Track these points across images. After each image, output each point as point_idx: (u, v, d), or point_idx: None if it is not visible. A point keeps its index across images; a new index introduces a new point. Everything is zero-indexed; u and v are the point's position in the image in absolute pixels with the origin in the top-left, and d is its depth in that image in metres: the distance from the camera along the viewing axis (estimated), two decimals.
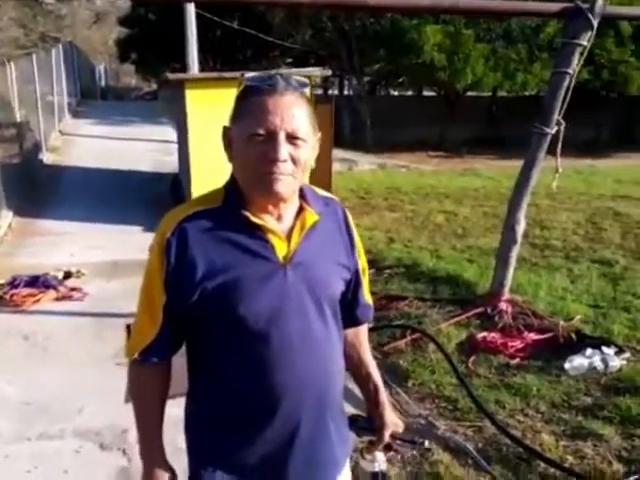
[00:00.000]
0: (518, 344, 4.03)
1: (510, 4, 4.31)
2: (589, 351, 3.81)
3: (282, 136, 1.24)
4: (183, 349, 1.42)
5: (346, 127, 16.77)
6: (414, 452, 2.82)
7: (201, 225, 1.31)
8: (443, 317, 4.46)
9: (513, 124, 15.21)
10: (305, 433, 1.37)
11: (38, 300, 4.89)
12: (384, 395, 1.54)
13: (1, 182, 7.36)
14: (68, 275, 5.44)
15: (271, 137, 1.24)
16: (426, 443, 1.53)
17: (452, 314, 4.51)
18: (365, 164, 13.55)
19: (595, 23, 3.92)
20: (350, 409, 1.70)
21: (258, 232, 1.31)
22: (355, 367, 1.58)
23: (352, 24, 15.74)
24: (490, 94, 19.00)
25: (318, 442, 1.41)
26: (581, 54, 4.06)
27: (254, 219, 1.29)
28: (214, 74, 7.49)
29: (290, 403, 1.33)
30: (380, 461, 1.53)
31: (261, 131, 1.24)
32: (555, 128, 4.19)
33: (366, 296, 1.55)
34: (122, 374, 3.52)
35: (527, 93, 17.75)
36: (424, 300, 4.85)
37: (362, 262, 1.50)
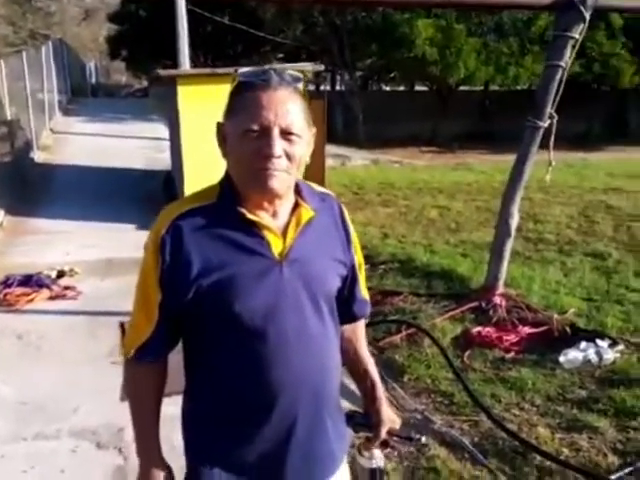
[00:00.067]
0: (513, 338, 4.04)
1: None
2: (583, 344, 3.83)
3: (276, 132, 1.23)
4: (179, 347, 1.42)
5: (338, 123, 16.76)
6: (411, 448, 2.83)
7: (196, 222, 1.30)
8: (438, 312, 4.47)
9: (505, 118, 15.25)
10: (302, 429, 1.37)
11: (32, 299, 4.86)
12: (381, 391, 1.55)
13: None
14: (61, 274, 5.41)
15: (265, 133, 1.23)
16: (423, 439, 1.54)
17: (447, 309, 4.52)
18: (358, 160, 13.55)
19: (587, 15, 3.92)
20: (347, 405, 1.69)
21: (253, 229, 1.30)
22: (352, 363, 1.58)
23: (343, 19, 15.71)
24: (482, 88, 19.04)
25: (315, 438, 1.41)
26: (573, 47, 4.07)
27: (249, 216, 1.28)
28: (206, 70, 7.45)
29: (287, 400, 1.33)
30: (377, 458, 1.54)
31: (255, 127, 1.23)
32: (548, 121, 4.20)
33: (363, 291, 1.54)
34: (117, 372, 3.51)
35: (519, 87, 17.81)
36: (419, 295, 4.86)
37: (358, 257, 1.50)
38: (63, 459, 2.88)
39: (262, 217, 1.30)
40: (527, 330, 4.14)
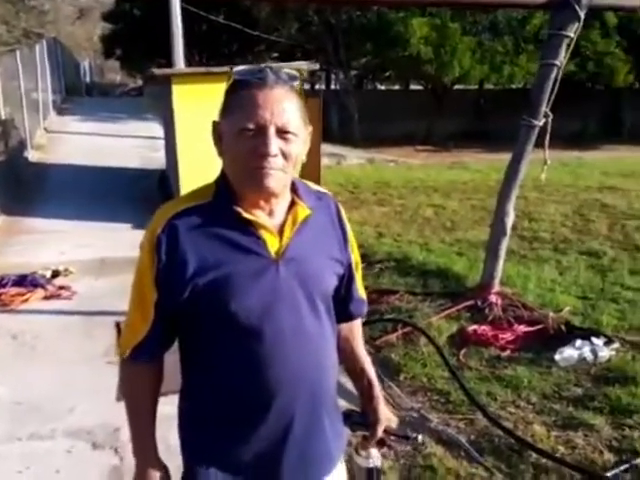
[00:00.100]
0: (508, 336, 4.05)
1: None
2: (579, 342, 3.84)
3: (272, 130, 1.22)
4: (175, 346, 1.41)
5: (334, 122, 16.76)
6: (407, 447, 2.83)
7: (192, 221, 1.30)
8: (434, 310, 4.47)
9: (500, 117, 15.30)
10: (299, 428, 1.37)
11: (26, 299, 4.84)
12: (378, 390, 1.54)
13: None
14: (56, 274, 5.39)
15: (261, 131, 1.22)
16: (419, 438, 1.54)
17: (443, 307, 4.52)
18: (353, 158, 13.55)
19: (582, 14, 3.93)
20: (344, 404, 1.69)
21: (249, 228, 1.29)
22: (349, 362, 1.58)
23: (338, 17, 15.71)
24: (477, 87, 19.06)
25: (313, 437, 1.41)
26: (568, 46, 4.07)
27: (245, 215, 1.28)
28: (201, 69, 7.44)
29: (284, 399, 1.33)
30: (374, 457, 1.54)
31: (251, 125, 1.22)
32: (543, 120, 4.20)
33: (360, 290, 1.54)
34: (113, 372, 3.53)
35: (514, 86, 17.85)
36: (415, 294, 4.86)
37: (355, 256, 1.50)
38: (58, 459, 2.87)
39: (258, 216, 1.30)
40: (523, 328, 4.14)
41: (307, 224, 1.34)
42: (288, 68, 1.30)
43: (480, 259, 5.21)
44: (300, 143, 1.28)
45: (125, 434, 2.82)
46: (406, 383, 3.56)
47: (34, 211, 7.74)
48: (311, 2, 13.41)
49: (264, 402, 1.33)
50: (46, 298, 4.94)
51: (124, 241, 6.18)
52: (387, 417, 1.52)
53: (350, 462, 1.59)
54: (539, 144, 4.29)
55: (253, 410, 1.34)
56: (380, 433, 1.51)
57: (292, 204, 1.35)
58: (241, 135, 1.23)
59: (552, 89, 4.12)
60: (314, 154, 1.55)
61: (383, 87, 23.85)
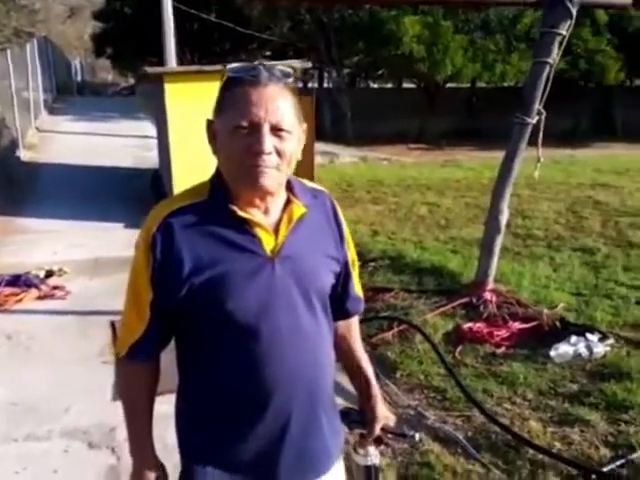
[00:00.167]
0: (504, 333, 4.06)
1: None
2: (574, 338, 3.85)
3: (266, 128, 1.22)
4: (172, 345, 1.41)
5: (327, 120, 16.75)
6: (405, 445, 2.83)
7: (187, 220, 1.29)
8: (429, 308, 4.48)
9: (492, 115, 15.34)
10: (297, 427, 1.36)
11: (20, 299, 4.82)
12: (376, 388, 1.54)
13: None
14: (50, 274, 5.37)
15: (255, 129, 1.22)
16: (417, 436, 1.53)
17: (438, 305, 4.53)
18: (346, 157, 13.55)
19: (574, 12, 3.94)
20: (341, 403, 1.69)
21: (245, 226, 1.29)
22: (347, 360, 1.58)
23: (330, 16, 15.70)
24: (469, 85, 19.09)
25: (310, 435, 1.41)
26: (560, 43, 4.08)
27: (241, 213, 1.28)
28: (193, 67, 7.43)
29: (281, 397, 1.32)
30: (373, 455, 1.54)
31: (245, 123, 1.22)
32: (536, 118, 4.21)
33: (356, 288, 1.54)
34: (108, 372, 3.52)
35: (506, 84, 17.87)
36: (410, 291, 4.87)
37: (351, 254, 1.49)
38: (55, 459, 2.86)
39: (253, 214, 1.30)
40: (518, 325, 4.16)
41: (303, 222, 1.34)
42: (281, 66, 1.30)
43: (474, 256, 5.22)
44: (294, 141, 1.28)
45: (121, 434, 2.81)
46: (402, 381, 3.56)
47: (26, 211, 7.70)
48: (303, 0, 13.40)
49: (261, 401, 1.32)
50: (40, 298, 4.91)
51: (117, 240, 6.16)
52: (385, 415, 1.52)
53: (348, 460, 1.58)
54: (531, 142, 4.30)
55: (250, 409, 1.33)
56: (378, 431, 1.51)
57: (288, 202, 1.34)
58: (235, 133, 1.23)
59: (545, 87, 4.13)
60: (307, 152, 1.55)
61: (376, 85, 23.85)
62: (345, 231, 1.46)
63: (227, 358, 1.31)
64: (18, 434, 3.06)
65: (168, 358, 1.43)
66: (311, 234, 1.37)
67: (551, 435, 3.00)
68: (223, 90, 1.27)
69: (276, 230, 1.31)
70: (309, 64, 7.77)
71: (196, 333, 1.33)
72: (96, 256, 5.95)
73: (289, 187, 1.35)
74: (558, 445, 2.92)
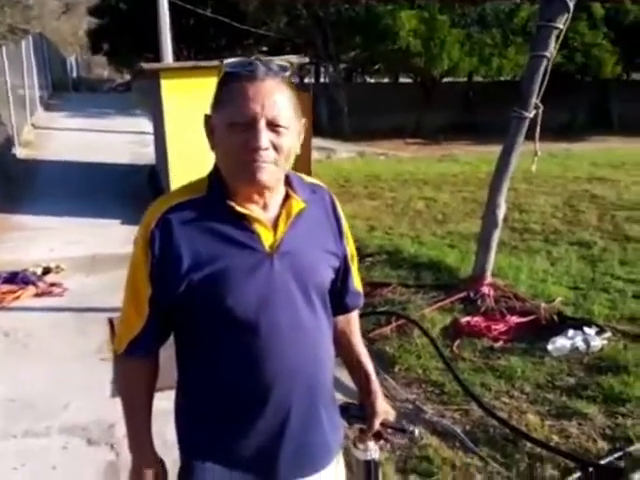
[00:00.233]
0: (501, 327, 4.07)
1: None
2: (571, 332, 3.86)
3: (262, 124, 1.21)
4: (171, 341, 1.40)
5: (323, 115, 16.73)
6: (404, 439, 2.84)
7: (186, 216, 1.29)
8: (427, 302, 4.48)
9: (489, 109, 15.32)
10: (296, 422, 1.36)
11: (18, 297, 4.81)
12: (376, 383, 1.54)
13: None
14: (47, 271, 5.36)
15: (252, 125, 1.21)
16: (416, 432, 1.53)
17: (435, 299, 4.53)
18: (343, 152, 13.53)
19: (571, 5, 3.94)
20: (340, 398, 1.69)
21: (243, 222, 1.29)
22: (346, 355, 1.58)
23: (327, 11, 15.68)
24: (466, 80, 19.08)
25: (310, 430, 1.41)
26: (557, 37, 4.08)
27: (239, 209, 1.27)
28: (190, 63, 7.41)
29: (281, 392, 1.33)
30: (372, 450, 1.54)
31: (241, 119, 1.21)
32: (533, 112, 4.21)
33: (355, 283, 1.54)
34: (106, 369, 3.52)
35: (502, 78, 17.87)
36: (407, 286, 4.87)
37: (350, 248, 1.49)
38: (54, 456, 2.86)
39: (252, 210, 1.29)
40: (515, 319, 4.16)
41: (302, 217, 1.34)
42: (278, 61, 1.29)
43: (472, 251, 5.22)
44: (292, 135, 1.27)
45: (120, 430, 2.81)
46: (401, 375, 3.57)
47: (23, 208, 7.68)
48: None
49: (261, 396, 1.32)
50: (37, 295, 4.91)
51: (114, 237, 6.15)
52: (385, 410, 1.52)
53: (348, 455, 1.59)
54: (528, 136, 4.30)
55: (250, 404, 1.33)
56: (377, 426, 1.51)
57: (286, 197, 1.34)
58: (232, 129, 1.22)
59: (542, 81, 4.12)
60: (305, 148, 1.54)
61: (372, 80, 23.84)
62: (344, 226, 1.46)
63: (226, 354, 1.31)
64: (17, 430, 3.06)
65: (167, 354, 1.43)
66: (310, 229, 1.36)
67: (549, 428, 3.01)
68: (220, 85, 1.27)
69: (275, 225, 1.31)
70: (306, 59, 7.74)
71: (195, 329, 1.33)
72: (93, 253, 5.94)
73: (288, 182, 1.35)
74: (556, 438, 2.93)
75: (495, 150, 4.58)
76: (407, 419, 2.95)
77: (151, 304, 1.31)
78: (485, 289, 4.52)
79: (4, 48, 11.24)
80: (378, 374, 3.42)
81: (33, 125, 13.22)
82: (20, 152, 10.80)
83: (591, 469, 2.64)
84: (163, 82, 6.42)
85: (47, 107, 16.45)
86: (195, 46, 19.21)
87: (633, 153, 12.94)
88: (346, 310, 1.55)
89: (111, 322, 4.18)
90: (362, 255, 5.64)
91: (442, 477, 2.66)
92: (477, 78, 18.50)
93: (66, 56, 28.67)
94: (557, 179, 9.92)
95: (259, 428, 1.34)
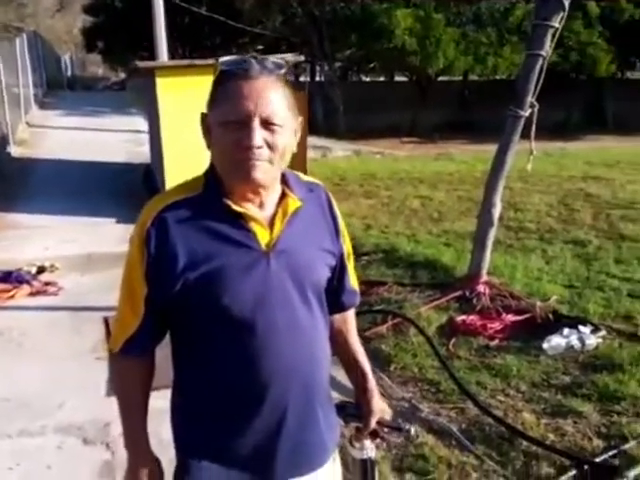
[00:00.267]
0: (497, 326, 4.07)
1: None
2: (566, 330, 3.86)
3: (256, 122, 1.21)
4: (167, 340, 1.40)
5: (319, 114, 16.72)
6: (400, 438, 2.84)
7: (181, 214, 1.28)
8: (423, 301, 4.49)
9: (485, 108, 15.35)
10: (293, 420, 1.36)
11: (12, 296, 4.79)
12: (372, 382, 1.54)
13: None
14: (42, 270, 5.34)
15: (245, 123, 1.21)
16: (412, 430, 1.54)
17: (431, 298, 4.54)
18: (339, 151, 13.53)
19: (567, 4, 3.94)
20: (336, 397, 1.69)
21: (240, 220, 1.28)
22: (343, 353, 1.58)
23: (322, 9, 15.67)
24: (461, 78, 19.11)
25: (306, 429, 1.41)
26: (553, 36, 4.09)
27: (235, 207, 1.27)
28: (185, 61, 7.40)
29: (277, 391, 1.32)
30: (368, 448, 1.54)
31: (235, 117, 1.21)
32: (529, 110, 4.22)
33: (352, 281, 1.54)
34: (102, 368, 3.50)
35: (498, 77, 17.90)
36: (403, 285, 4.88)
37: (347, 247, 1.49)
38: (49, 455, 2.85)
39: (248, 208, 1.29)
40: (511, 318, 4.17)
41: (298, 216, 1.33)
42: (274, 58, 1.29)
43: (467, 250, 5.23)
44: (288, 133, 1.27)
45: (116, 429, 2.81)
46: (397, 373, 3.57)
47: (17, 207, 7.65)
48: None
49: (257, 395, 1.32)
50: (32, 294, 4.89)
51: (109, 236, 6.13)
52: (381, 408, 1.53)
53: (344, 453, 1.59)
54: (524, 135, 4.30)
55: (246, 403, 1.33)
56: (373, 425, 1.51)
57: (283, 196, 1.34)
58: (226, 127, 1.22)
59: (538, 79, 4.13)
60: (300, 147, 1.54)
61: (368, 79, 23.82)
62: (340, 224, 1.46)
63: (223, 352, 1.31)
64: (11, 430, 3.05)
65: (163, 353, 1.43)
66: (306, 228, 1.36)
67: (544, 426, 3.02)
68: (216, 83, 1.27)
69: (271, 224, 1.31)
70: (301, 58, 7.74)
71: (191, 328, 1.33)
72: (88, 252, 5.91)
73: (284, 180, 1.35)
74: (551, 436, 2.94)
75: (491, 149, 4.59)
76: (403, 418, 2.95)
77: (147, 303, 1.31)
78: (481, 288, 4.52)
79: None
80: (374, 373, 3.43)
81: (28, 123, 13.17)
82: (15, 151, 10.75)
83: (586, 467, 2.65)
84: (158, 80, 6.40)
85: (42, 105, 16.39)
86: (190, 44, 19.19)
87: (628, 152, 12.98)
88: (342, 308, 1.55)
89: (106, 321, 4.17)
90: (358, 254, 5.64)
91: (438, 475, 2.67)
92: (472, 77, 18.53)
93: (61, 54, 28.53)
94: (552, 178, 9.94)
95: (255, 427, 1.34)
